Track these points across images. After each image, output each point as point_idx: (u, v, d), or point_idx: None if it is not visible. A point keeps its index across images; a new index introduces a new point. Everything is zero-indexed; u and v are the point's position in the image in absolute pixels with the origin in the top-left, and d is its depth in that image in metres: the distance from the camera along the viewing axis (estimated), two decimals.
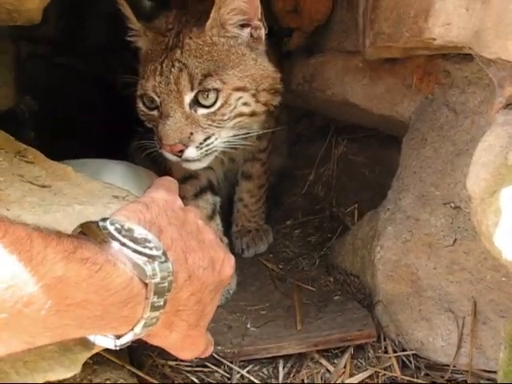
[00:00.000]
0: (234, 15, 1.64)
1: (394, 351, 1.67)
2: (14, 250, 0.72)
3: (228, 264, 1.12)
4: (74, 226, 1.12)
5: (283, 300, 1.87)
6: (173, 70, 1.64)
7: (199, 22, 1.70)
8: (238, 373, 1.59)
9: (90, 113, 2.74)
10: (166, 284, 0.91)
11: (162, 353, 1.56)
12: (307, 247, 2.22)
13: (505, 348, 1.19)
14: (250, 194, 2.26)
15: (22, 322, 0.73)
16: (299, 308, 1.80)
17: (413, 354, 1.65)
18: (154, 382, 1.48)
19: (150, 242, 0.93)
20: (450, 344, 1.61)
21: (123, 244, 0.88)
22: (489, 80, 1.52)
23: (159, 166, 2.13)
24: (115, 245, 0.88)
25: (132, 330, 0.90)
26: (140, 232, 0.94)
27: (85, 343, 0.97)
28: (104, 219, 0.92)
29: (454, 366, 1.59)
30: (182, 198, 1.84)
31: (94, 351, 1.04)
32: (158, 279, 0.89)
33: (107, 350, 1.20)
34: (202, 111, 1.66)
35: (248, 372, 1.60)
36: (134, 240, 0.91)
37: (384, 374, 1.60)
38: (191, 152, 1.67)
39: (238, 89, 1.67)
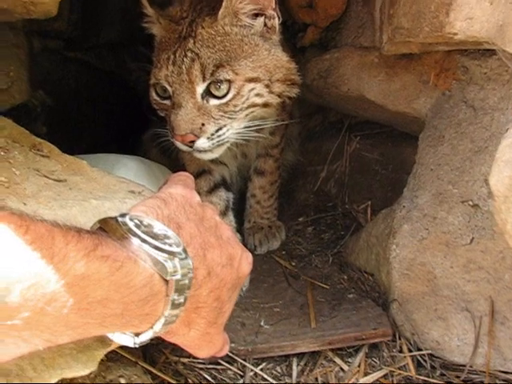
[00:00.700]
0: (247, 4, 1.62)
1: (409, 350, 1.66)
2: (37, 247, 0.71)
3: (246, 261, 1.10)
4: (90, 221, 1.11)
5: (297, 297, 1.85)
6: (185, 59, 1.62)
7: (213, 10, 1.68)
8: (252, 371, 1.58)
9: (102, 107, 2.74)
10: (187, 281, 0.89)
11: (176, 350, 1.55)
12: (320, 244, 2.20)
13: None
14: (262, 190, 2.24)
15: (44, 320, 0.71)
16: (313, 306, 1.78)
17: (428, 354, 1.64)
18: (167, 378, 1.47)
19: (169, 238, 0.92)
20: (467, 344, 1.59)
21: (143, 240, 0.87)
22: (509, 76, 1.50)
23: (172, 160, 2.12)
24: (135, 241, 0.86)
25: (152, 327, 0.88)
26: (160, 228, 0.92)
27: (102, 340, 0.96)
28: (123, 215, 0.90)
29: (471, 367, 1.58)
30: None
31: (110, 348, 1.03)
32: (178, 276, 0.87)
33: (121, 347, 1.19)
34: (213, 102, 1.65)
35: (261, 370, 1.59)
36: (154, 236, 0.89)
37: (399, 374, 1.59)
38: (202, 142, 1.66)
39: (250, 80, 1.65)
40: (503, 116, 1.50)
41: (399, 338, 1.68)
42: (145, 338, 0.90)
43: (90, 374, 1.10)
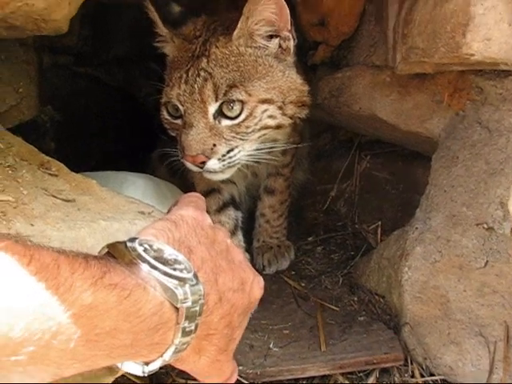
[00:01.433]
0: (263, 26, 1.60)
1: (422, 375, 1.63)
2: (41, 278, 0.68)
3: (257, 285, 1.07)
4: (99, 242, 1.09)
5: (306, 319, 1.82)
6: (198, 79, 1.60)
7: (227, 30, 1.66)
8: None
9: (111, 123, 2.73)
10: (198, 307, 0.86)
11: (182, 372, 1.52)
12: (330, 265, 2.17)
13: None
14: (272, 210, 2.21)
15: (50, 354, 0.68)
16: (323, 328, 1.75)
17: (441, 380, 1.61)
18: None
19: (180, 262, 0.89)
20: (481, 370, 1.56)
21: (153, 266, 0.84)
22: None
23: (180, 178, 2.10)
24: (144, 267, 0.83)
25: (161, 356, 0.85)
26: (170, 252, 0.90)
27: (110, 368, 0.93)
28: (132, 239, 0.87)
29: None
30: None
31: (118, 375, 1.00)
32: (189, 303, 0.84)
33: None
34: (225, 122, 1.62)
35: None
36: (164, 261, 0.86)
37: None
38: (213, 164, 1.64)
39: (263, 101, 1.63)
40: None
41: (411, 363, 1.65)
42: (154, 366, 0.87)
43: None
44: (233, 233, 1.99)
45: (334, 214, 2.51)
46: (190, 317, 0.85)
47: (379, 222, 2.30)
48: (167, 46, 1.77)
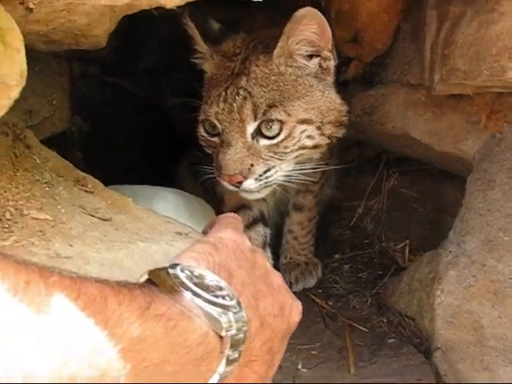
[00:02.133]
0: (304, 46, 1.59)
1: None
2: (90, 313, 0.66)
3: (296, 310, 1.06)
4: (137, 264, 1.08)
5: (334, 340, 1.79)
6: (237, 97, 1.59)
7: (267, 48, 1.65)
8: None
9: (137, 133, 2.73)
10: (242, 335, 0.84)
11: None
12: (358, 284, 2.14)
13: None
14: (300, 226, 2.20)
15: None
16: (352, 350, 1.72)
17: None
18: None
19: (222, 289, 0.87)
20: None
21: (195, 293, 0.82)
22: None
23: (209, 192, 2.09)
24: (187, 294, 0.81)
25: None
26: (211, 278, 0.88)
27: None
28: (174, 265, 0.86)
29: None
30: None
31: None
32: (233, 331, 0.82)
33: None
34: (264, 142, 1.61)
35: None
36: (206, 288, 0.85)
37: None
38: (250, 183, 1.62)
39: (302, 121, 1.61)
40: None
41: None
42: None
43: None
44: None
45: (361, 231, 2.49)
46: (234, 345, 0.83)
47: (407, 241, 2.28)
48: (206, 63, 1.76)
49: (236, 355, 0.84)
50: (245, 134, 1.60)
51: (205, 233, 1.19)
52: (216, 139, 1.68)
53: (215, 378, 0.83)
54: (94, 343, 0.65)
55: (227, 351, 0.82)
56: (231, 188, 1.66)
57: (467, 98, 1.77)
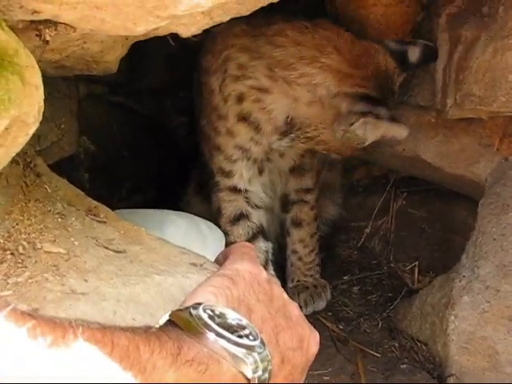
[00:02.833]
0: None
1: None
2: (127, 366, 0.65)
3: (314, 341, 1.03)
4: (153, 298, 1.06)
5: (346, 365, 1.77)
6: None
7: None
8: None
9: (143, 153, 2.71)
10: (267, 375, 0.83)
11: None
12: (368, 307, 2.12)
13: None
14: (302, 244, 2.19)
15: None
16: (365, 376, 1.70)
17: None
18: None
19: (244, 328, 0.85)
20: None
21: (219, 334, 0.80)
22: None
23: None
24: (211, 336, 0.80)
25: None
26: (233, 317, 0.86)
27: None
28: (195, 306, 0.84)
29: None
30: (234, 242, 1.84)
31: None
32: (259, 372, 0.81)
33: None
34: None
35: None
36: (229, 328, 0.82)
37: None
38: None
39: None
40: None
41: None
42: None
43: None
44: (264, 267, 1.95)
45: (369, 251, 2.47)
46: None
47: (416, 262, 2.26)
48: None
49: None
50: None
51: (218, 263, 1.18)
52: None
53: None
54: None
55: None
56: None
57: (479, 120, 1.76)
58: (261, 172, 2.01)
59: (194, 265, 1.18)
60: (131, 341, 0.68)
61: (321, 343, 1.88)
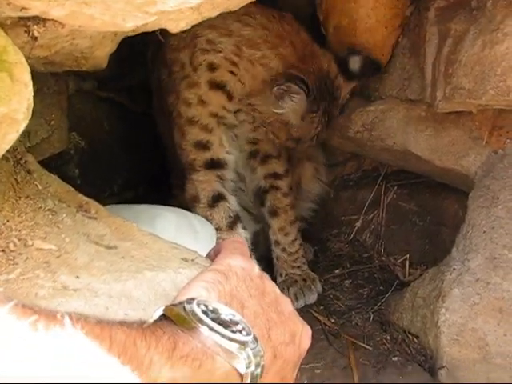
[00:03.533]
0: None
1: None
2: (125, 360, 0.65)
3: (306, 336, 1.04)
4: (145, 293, 1.06)
5: (338, 358, 1.78)
6: None
7: None
8: None
9: (133, 148, 2.71)
10: (259, 370, 0.83)
11: None
12: (359, 300, 2.13)
13: None
14: (283, 233, 2.19)
15: None
16: (356, 369, 1.71)
17: None
18: None
19: (237, 323, 0.85)
20: None
21: (212, 329, 0.81)
22: None
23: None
24: (204, 330, 0.80)
25: None
26: (226, 313, 0.86)
27: None
28: (189, 301, 0.84)
29: None
30: (217, 229, 1.86)
31: None
32: (252, 367, 0.81)
33: None
34: None
35: None
36: (223, 323, 0.83)
37: None
38: None
39: None
40: None
41: None
42: None
43: None
44: None
45: (360, 245, 2.47)
46: (253, 379, 0.82)
47: (407, 255, 2.27)
48: None
49: None
50: None
51: (210, 258, 1.18)
52: None
53: None
54: None
55: None
56: None
57: (468, 113, 1.76)
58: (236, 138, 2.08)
59: (186, 260, 1.18)
60: (128, 335, 0.69)
61: (313, 337, 1.88)
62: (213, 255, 1.13)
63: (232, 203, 2.01)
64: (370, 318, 2.00)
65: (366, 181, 2.58)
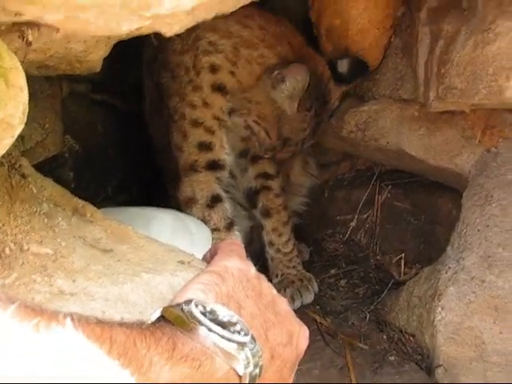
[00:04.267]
0: None
1: None
2: (125, 362, 0.65)
3: (303, 336, 1.04)
4: (141, 297, 1.06)
5: (335, 358, 1.78)
6: None
7: None
8: None
9: (128, 150, 2.71)
10: (258, 370, 0.83)
11: None
12: (355, 300, 2.13)
13: None
14: (277, 233, 2.19)
15: None
16: (353, 369, 1.71)
17: None
18: None
19: (235, 324, 0.86)
20: None
21: (211, 330, 0.81)
22: None
23: None
24: (202, 331, 0.80)
25: None
26: (224, 314, 0.86)
27: None
28: (187, 302, 0.84)
29: None
30: (215, 229, 1.88)
31: None
32: (251, 368, 0.81)
33: None
34: None
35: None
36: (221, 324, 0.83)
37: None
38: None
39: None
40: None
41: None
42: None
43: None
44: None
45: (355, 244, 2.48)
46: (252, 379, 0.82)
47: (402, 255, 2.27)
48: None
49: None
50: None
51: (206, 260, 1.18)
52: None
53: None
54: None
55: None
56: None
57: (461, 113, 1.77)
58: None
59: (182, 262, 1.19)
60: (128, 336, 0.69)
61: (309, 337, 1.90)
62: (209, 257, 1.13)
63: (228, 207, 2.01)
64: (366, 317, 2.00)
65: (360, 180, 2.58)
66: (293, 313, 1.06)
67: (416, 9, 1.85)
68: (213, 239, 1.79)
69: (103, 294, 1.01)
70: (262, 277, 1.07)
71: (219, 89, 1.96)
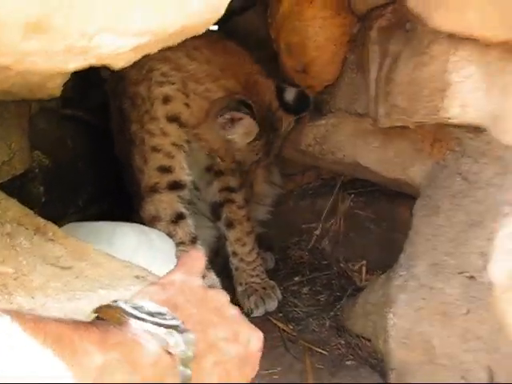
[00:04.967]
0: None
1: None
2: (57, 349, 0.72)
3: (256, 339, 1.07)
4: None
5: (295, 363, 1.85)
6: None
7: None
8: None
9: (98, 164, 2.75)
10: (190, 353, 0.89)
11: None
12: (317, 306, 2.21)
13: None
14: (240, 243, 2.26)
15: None
16: (312, 373, 1.79)
17: None
18: None
19: (164, 314, 0.92)
20: None
21: (140, 318, 0.87)
22: (502, 152, 1.54)
23: None
24: (133, 322, 0.87)
25: None
26: (152, 306, 0.92)
27: None
28: (115, 300, 0.91)
29: None
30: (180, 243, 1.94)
31: None
32: (182, 347, 0.87)
33: None
34: None
35: None
36: (150, 313, 0.90)
37: None
38: None
39: None
40: (499, 193, 1.54)
41: None
42: None
43: None
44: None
45: (319, 252, 2.55)
46: (185, 362, 0.88)
47: (364, 262, 2.35)
48: None
49: (188, 372, 0.89)
50: None
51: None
52: None
53: None
54: (66, 378, 0.71)
55: (179, 367, 0.87)
56: None
57: None
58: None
59: (137, 277, 1.25)
60: (62, 329, 0.76)
61: (270, 343, 1.97)
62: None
63: (191, 223, 2.07)
64: (326, 323, 2.08)
65: (325, 190, 2.65)
66: (245, 319, 1.10)
67: (368, 27, 1.92)
68: (178, 252, 1.84)
69: (60, 308, 1.08)
70: (214, 289, 1.13)
71: (174, 119, 2.03)
